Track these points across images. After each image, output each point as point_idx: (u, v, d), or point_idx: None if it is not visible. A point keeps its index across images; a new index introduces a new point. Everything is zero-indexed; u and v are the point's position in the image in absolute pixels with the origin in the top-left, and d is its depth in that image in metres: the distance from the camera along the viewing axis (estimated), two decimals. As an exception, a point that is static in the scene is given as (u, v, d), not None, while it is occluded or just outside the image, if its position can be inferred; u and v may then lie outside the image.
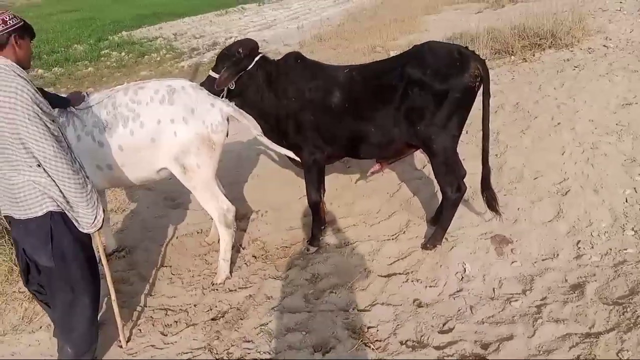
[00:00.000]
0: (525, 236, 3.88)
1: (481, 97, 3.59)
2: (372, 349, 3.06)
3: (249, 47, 3.99)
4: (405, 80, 3.57)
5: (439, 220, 4.00)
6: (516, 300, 3.27)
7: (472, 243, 3.90)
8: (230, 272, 3.95)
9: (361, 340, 3.11)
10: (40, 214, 2.74)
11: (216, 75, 3.95)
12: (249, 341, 3.27)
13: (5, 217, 2.90)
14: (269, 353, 3.15)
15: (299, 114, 3.87)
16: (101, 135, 3.55)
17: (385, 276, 3.72)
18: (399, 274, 3.72)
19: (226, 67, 3.91)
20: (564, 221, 3.96)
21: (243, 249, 4.32)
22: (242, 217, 4.75)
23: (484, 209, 4.08)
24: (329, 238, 4.28)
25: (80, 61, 12.76)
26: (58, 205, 2.75)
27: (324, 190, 4.29)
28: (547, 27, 8.11)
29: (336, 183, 5.08)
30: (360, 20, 13.92)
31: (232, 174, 5.55)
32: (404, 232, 4.21)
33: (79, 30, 17.71)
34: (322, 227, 4.28)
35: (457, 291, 3.47)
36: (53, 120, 2.70)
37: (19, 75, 2.58)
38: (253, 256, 4.18)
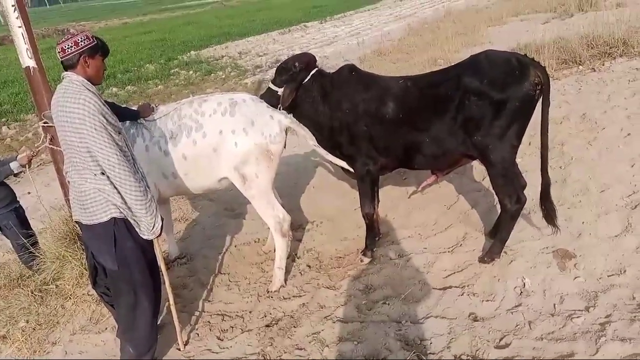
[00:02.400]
0: (590, 251, 3.70)
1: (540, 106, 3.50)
2: (425, 361, 3.01)
3: (305, 61, 4.08)
4: (461, 90, 3.53)
5: (498, 233, 3.89)
6: (578, 317, 3.12)
7: (533, 257, 3.77)
8: (285, 280, 4.01)
9: (414, 352, 3.07)
10: (104, 219, 2.92)
11: (275, 88, 4.07)
12: (301, 349, 3.30)
13: (76, 222, 3.11)
14: (321, 361, 3.17)
15: (353, 125, 3.90)
16: (167, 144, 3.74)
17: (440, 289, 3.66)
18: (455, 287, 3.65)
19: (286, 85, 4.02)
20: (633, 236, 3.74)
21: (298, 258, 4.37)
22: (297, 227, 4.82)
23: (546, 222, 3.93)
24: (383, 249, 4.26)
25: (151, 80, 13.42)
26: (121, 212, 2.92)
27: (378, 201, 4.29)
28: (618, 35, 7.74)
29: (392, 194, 5.05)
30: (422, 34, 13.81)
31: (289, 185, 5.65)
32: (460, 245, 4.12)
33: (151, 50, 18.65)
34: (376, 238, 4.27)
35: (516, 306, 3.36)
36: (119, 132, 2.90)
37: (87, 89, 2.81)
38: (307, 265, 4.23)
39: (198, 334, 3.62)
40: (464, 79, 3.54)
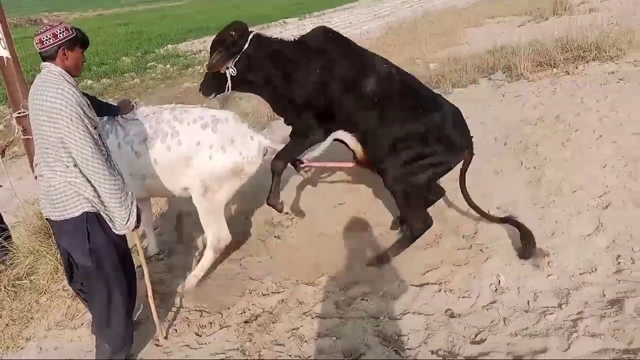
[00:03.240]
0: (562, 249, 3.80)
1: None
2: (403, 356, 3.05)
3: (241, 28, 3.72)
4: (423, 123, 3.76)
5: (392, 246, 4.09)
6: (551, 314, 3.20)
7: (508, 255, 3.85)
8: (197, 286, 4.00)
9: (392, 348, 3.12)
10: (76, 214, 2.86)
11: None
12: (280, 344, 3.31)
13: (47, 219, 3.04)
14: (300, 357, 3.19)
15: (322, 88, 3.71)
16: (139, 146, 3.72)
17: (417, 286, 3.70)
18: (432, 283, 3.70)
19: (217, 51, 3.65)
20: (604, 235, 3.85)
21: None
22: (276, 224, 4.83)
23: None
24: (361, 245, 4.28)
25: (127, 73, 13.25)
26: (93, 206, 2.86)
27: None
28: (591, 40, 7.92)
29: (369, 193, 5.08)
30: (400, 34, 13.93)
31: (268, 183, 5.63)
32: (437, 242, 4.18)
33: (127, 43, 18.41)
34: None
35: (491, 303, 3.43)
36: (95, 127, 2.84)
37: (66, 80, 2.77)
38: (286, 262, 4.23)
39: (176, 330, 3.60)
40: (430, 114, 3.76)
